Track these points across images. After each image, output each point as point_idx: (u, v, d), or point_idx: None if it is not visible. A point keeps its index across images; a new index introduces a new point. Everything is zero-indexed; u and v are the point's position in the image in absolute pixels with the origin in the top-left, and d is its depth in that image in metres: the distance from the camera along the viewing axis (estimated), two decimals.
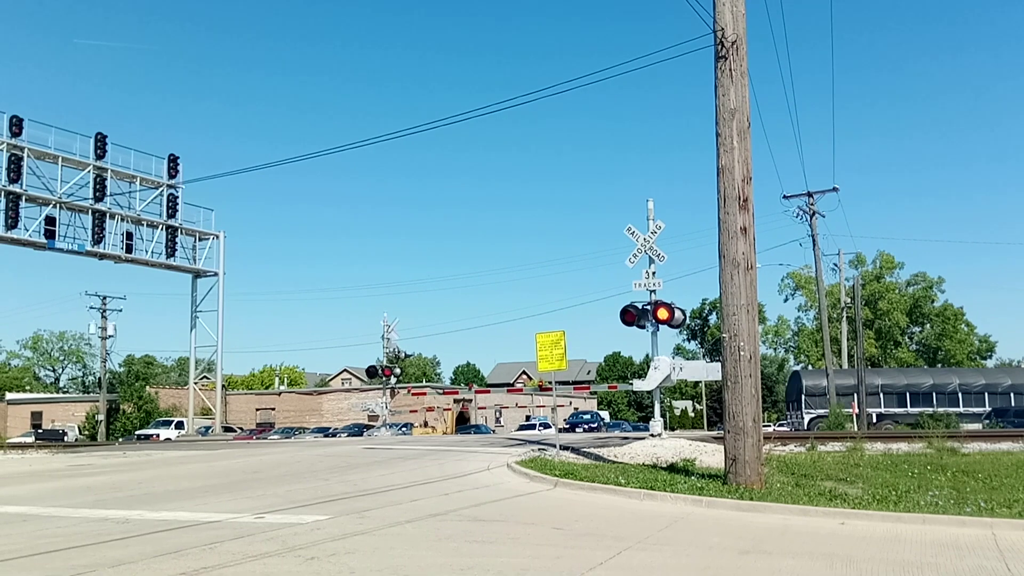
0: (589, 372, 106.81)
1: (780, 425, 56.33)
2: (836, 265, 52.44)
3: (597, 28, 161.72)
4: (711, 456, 16.14)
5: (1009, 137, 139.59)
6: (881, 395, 44.84)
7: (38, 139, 44.65)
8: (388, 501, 11.15)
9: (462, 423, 59.98)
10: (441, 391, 64.63)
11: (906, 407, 43.59)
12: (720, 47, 12.39)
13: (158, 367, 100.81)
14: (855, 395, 40.88)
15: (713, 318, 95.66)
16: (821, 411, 42.36)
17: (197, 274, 55.21)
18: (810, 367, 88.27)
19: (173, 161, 51.42)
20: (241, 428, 57.46)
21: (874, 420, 41.03)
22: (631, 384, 24.91)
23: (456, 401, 63.60)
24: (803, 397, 45.63)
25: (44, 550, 7.78)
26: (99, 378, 64.61)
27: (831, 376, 41.15)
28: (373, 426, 48.43)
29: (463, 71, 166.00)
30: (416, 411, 55.17)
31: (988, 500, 10.35)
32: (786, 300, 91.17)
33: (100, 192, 46.83)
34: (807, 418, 44.08)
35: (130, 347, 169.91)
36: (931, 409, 41.54)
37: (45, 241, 44.45)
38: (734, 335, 11.90)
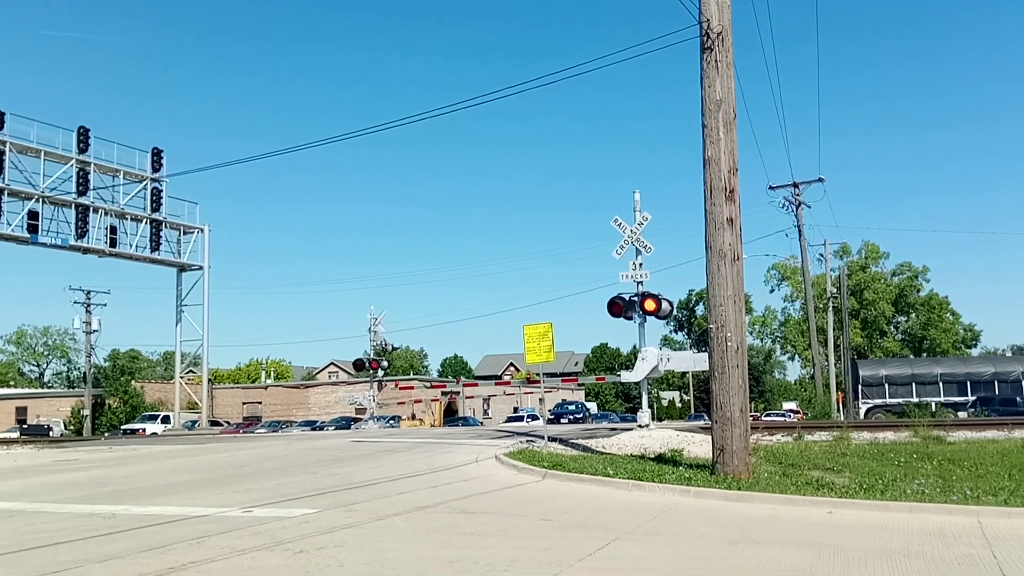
0: (577, 364, 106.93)
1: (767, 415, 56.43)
2: (822, 255, 52.72)
3: (584, 28, 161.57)
4: (699, 446, 16.18)
5: (993, 132, 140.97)
6: (940, 384, 44.39)
7: (20, 133, 44.31)
8: (376, 494, 11.14)
9: (450, 415, 59.95)
10: (429, 384, 64.56)
11: (967, 395, 42.98)
12: (706, 38, 12.38)
13: (143, 361, 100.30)
14: (912, 384, 40.69)
15: (700, 309, 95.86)
16: (878, 401, 42.21)
17: (182, 268, 54.89)
18: (797, 358, 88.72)
19: (157, 155, 51.03)
20: (228, 422, 57.25)
21: (933, 410, 40.48)
22: (619, 375, 24.96)
23: (444, 393, 63.57)
24: (860, 387, 45.34)
25: (30, 546, 7.72)
26: (84, 373, 64.24)
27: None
28: (361, 419, 48.31)
29: (448, 71, 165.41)
30: (404, 404, 55.13)
31: (974, 488, 10.42)
32: (772, 291, 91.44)
33: (83, 186, 46.48)
34: (863, 408, 43.66)
35: (115, 342, 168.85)
36: (994, 395, 41.13)
37: (28, 235, 44.08)
38: (721, 326, 11.92)
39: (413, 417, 54.28)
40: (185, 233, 54.05)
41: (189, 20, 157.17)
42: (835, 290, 53.18)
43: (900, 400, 40.43)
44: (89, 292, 60.11)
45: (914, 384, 41.46)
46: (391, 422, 45.47)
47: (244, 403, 65.77)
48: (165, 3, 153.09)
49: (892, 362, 49.70)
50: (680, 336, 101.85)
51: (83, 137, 46.93)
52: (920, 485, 10.84)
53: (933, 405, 40.88)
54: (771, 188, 44.16)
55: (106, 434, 51.23)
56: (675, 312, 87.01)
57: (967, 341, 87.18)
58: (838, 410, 45.46)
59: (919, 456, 14.90)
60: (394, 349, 65.89)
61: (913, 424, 20.64)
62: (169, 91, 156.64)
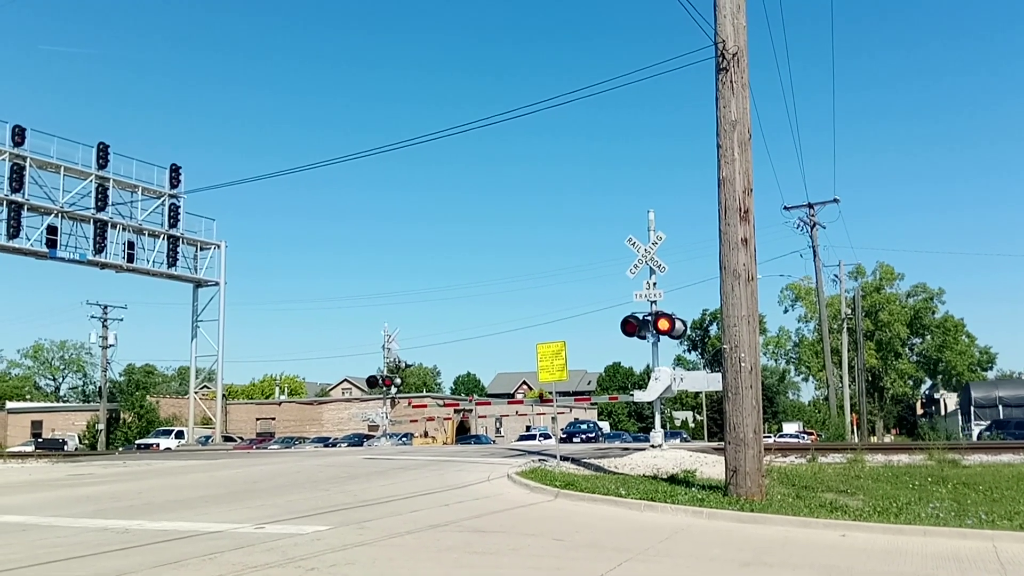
0: (590, 383, 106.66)
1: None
2: (836, 276, 52.43)
3: (600, 45, 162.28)
4: (711, 467, 16.11)
5: (1009, 151, 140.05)
6: None
7: (40, 148, 44.70)
8: (388, 512, 11.14)
9: (462, 433, 59.88)
10: (441, 402, 64.53)
11: None
12: (721, 59, 12.44)
13: (158, 376, 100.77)
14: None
15: (714, 329, 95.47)
16: (991, 422, 41.55)
17: (198, 284, 55.22)
18: (811, 379, 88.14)
19: (175, 171, 51.47)
20: (241, 438, 57.39)
21: None
22: (631, 395, 24.89)
23: (456, 411, 63.49)
24: (972, 408, 44.47)
25: (44, 560, 7.76)
26: (99, 387, 64.59)
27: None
28: (373, 436, 48.35)
29: (465, 87, 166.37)
30: (416, 421, 55.09)
31: (989, 512, 10.32)
32: (786, 311, 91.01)
33: (102, 202, 46.87)
34: (976, 430, 42.78)
35: (131, 356, 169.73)
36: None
37: (47, 250, 44.44)
38: (735, 346, 11.90)
39: (425, 435, 54.23)
40: (202, 249, 54.40)
41: (207, 37, 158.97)
42: (850, 311, 52.86)
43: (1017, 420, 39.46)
44: (106, 307, 60.64)
45: (997, 406, 40.60)
46: (403, 439, 45.48)
47: (258, 419, 65.93)
48: (184, 19, 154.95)
49: (1006, 383, 48.59)
50: (694, 356, 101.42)
51: (102, 153, 47.38)
52: (934, 509, 10.75)
53: None
54: (786, 208, 44.05)
55: (120, 449, 51.49)
56: (689, 332, 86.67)
57: (983, 364, 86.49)
58: (852, 432, 45.09)
59: (934, 479, 14.77)
60: (407, 366, 66.01)
61: (928, 447, 20.47)
62: (186, 107, 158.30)
